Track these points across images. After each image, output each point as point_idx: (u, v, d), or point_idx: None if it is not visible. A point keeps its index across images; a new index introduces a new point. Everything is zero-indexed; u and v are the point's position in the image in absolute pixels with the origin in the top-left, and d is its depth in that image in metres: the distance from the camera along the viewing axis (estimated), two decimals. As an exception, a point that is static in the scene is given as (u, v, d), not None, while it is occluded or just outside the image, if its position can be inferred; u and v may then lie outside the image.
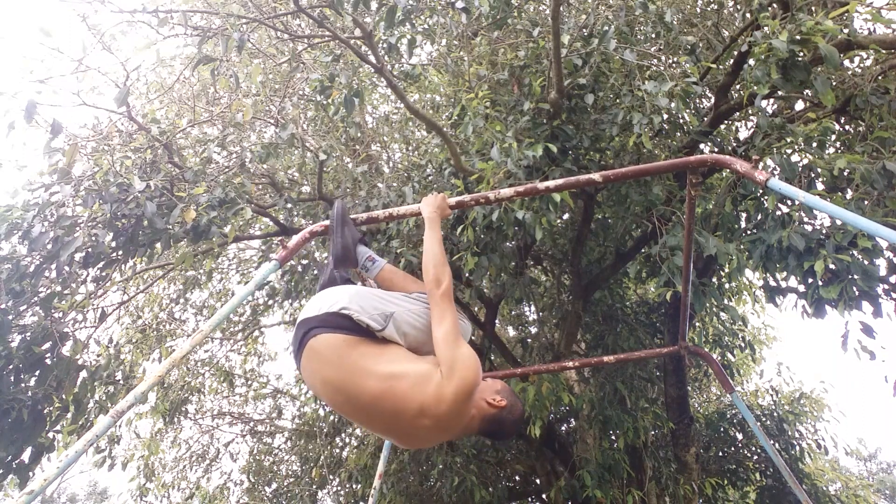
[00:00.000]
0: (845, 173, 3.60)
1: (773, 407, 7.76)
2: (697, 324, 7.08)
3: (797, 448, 7.19)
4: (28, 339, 4.10)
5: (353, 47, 4.38)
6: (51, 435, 4.28)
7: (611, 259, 6.31)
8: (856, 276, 3.36)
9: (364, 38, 4.25)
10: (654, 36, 4.72)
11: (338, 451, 7.78)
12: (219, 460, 8.56)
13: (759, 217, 4.02)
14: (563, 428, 7.85)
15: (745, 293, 7.90)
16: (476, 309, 7.20)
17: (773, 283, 4.61)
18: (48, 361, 4.14)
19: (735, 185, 4.60)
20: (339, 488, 7.66)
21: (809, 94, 4.58)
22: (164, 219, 4.12)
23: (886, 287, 3.79)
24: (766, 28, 3.60)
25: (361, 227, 2.44)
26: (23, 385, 4.05)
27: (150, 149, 4.43)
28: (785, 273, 3.88)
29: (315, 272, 5.22)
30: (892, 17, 3.97)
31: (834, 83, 4.28)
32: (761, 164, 4.08)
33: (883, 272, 3.69)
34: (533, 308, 8.19)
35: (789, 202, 3.80)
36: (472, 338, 7.11)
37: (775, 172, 3.76)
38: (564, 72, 4.33)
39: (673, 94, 3.84)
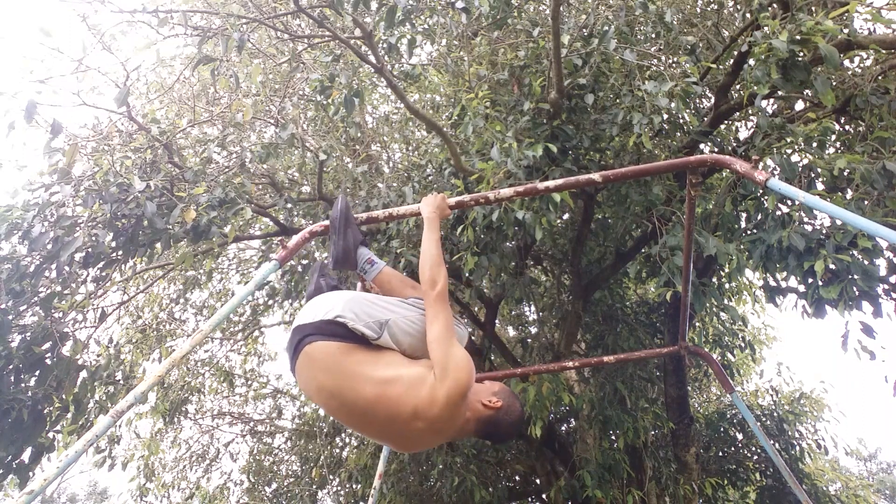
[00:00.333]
0: (845, 173, 3.60)
1: (773, 407, 7.76)
2: (697, 324, 7.08)
3: (797, 448, 7.19)
4: (28, 339, 4.10)
5: (353, 47, 4.38)
6: (51, 435, 4.27)
7: (611, 259, 6.31)
8: (856, 276, 3.36)
9: (364, 38, 4.25)
10: (654, 36, 4.72)
11: (338, 451, 7.78)
12: (219, 460, 8.56)
13: (759, 217, 4.02)
14: (563, 428, 7.85)
15: (745, 293, 7.90)
16: (476, 309, 7.19)
17: (773, 283, 4.61)
18: (48, 361, 4.14)
19: (735, 185, 4.60)
20: (339, 488, 7.66)
21: (809, 94, 4.58)
22: (164, 219, 4.12)
23: (886, 287, 3.79)
24: (766, 28, 3.60)
25: (362, 227, 2.44)
26: (23, 385, 4.05)
27: (150, 149, 4.43)
28: (785, 273, 3.88)
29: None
30: (892, 17, 3.97)
31: (834, 83, 4.28)
32: (761, 164, 4.08)
33: (883, 272, 3.69)
34: (533, 308, 8.20)
35: (789, 202, 3.80)
36: (473, 338, 7.11)
37: (775, 172, 3.76)
38: (564, 72, 4.33)
39: (673, 94, 3.84)
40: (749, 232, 4.20)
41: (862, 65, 4.59)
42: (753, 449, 7.46)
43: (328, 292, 2.14)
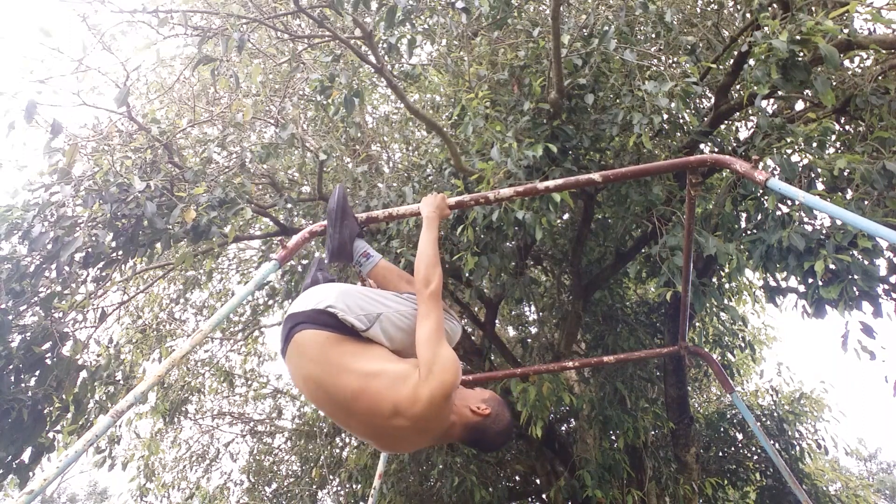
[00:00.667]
0: (845, 173, 3.60)
1: (773, 407, 7.76)
2: (697, 324, 7.08)
3: (797, 448, 7.19)
4: (28, 339, 4.10)
5: (353, 47, 4.38)
6: (51, 435, 4.27)
7: (611, 259, 6.31)
8: (856, 276, 3.35)
9: (364, 38, 4.25)
10: (654, 36, 4.72)
11: (338, 451, 7.78)
12: (219, 460, 8.56)
13: (759, 217, 4.02)
14: (563, 428, 7.86)
15: (745, 293, 7.90)
16: (476, 309, 7.20)
17: (773, 283, 4.61)
18: (48, 361, 4.14)
19: (735, 185, 4.60)
20: (339, 488, 7.66)
21: (809, 94, 4.58)
22: (164, 219, 4.12)
23: (886, 287, 3.79)
24: (766, 28, 3.60)
25: (359, 217, 2.42)
26: (23, 385, 4.05)
27: (150, 149, 4.43)
28: (785, 273, 3.88)
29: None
30: (892, 17, 3.98)
31: (834, 83, 4.28)
32: (761, 164, 4.08)
33: (883, 272, 3.69)
34: (533, 308, 8.20)
35: (789, 202, 3.79)
36: (473, 338, 7.12)
37: (775, 172, 3.76)
38: (564, 72, 4.33)
39: (673, 94, 3.84)
40: (749, 232, 4.20)
41: (862, 65, 4.59)
42: (753, 449, 7.46)
43: (322, 285, 2.14)
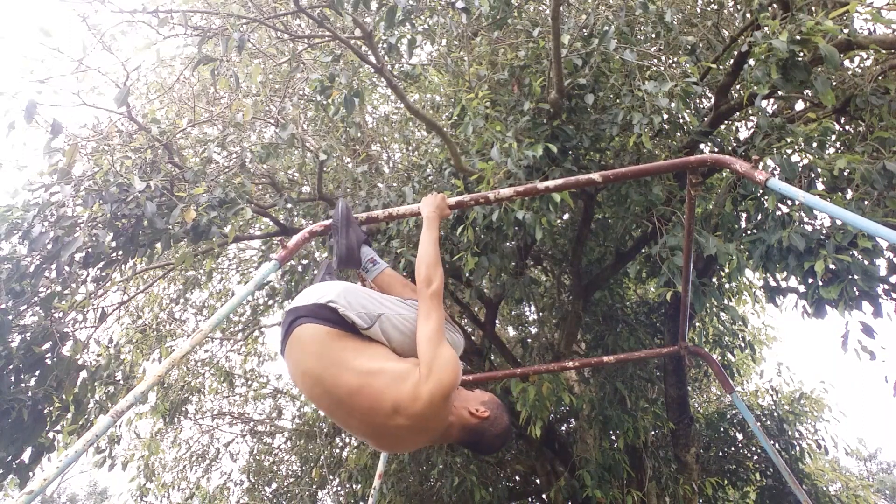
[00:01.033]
0: (845, 173, 3.60)
1: (773, 407, 7.76)
2: (697, 324, 7.08)
3: (797, 448, 7.19)
4: (28, 339, 4.10)
5: (353, 47, 4.38)
6: (51, 435, 4.28)
7: (611, 259, 6.31)
8: (856, 277, 3.35)
9: (364, 38, 4.25)
10: (654, 36, 4.72)
11: (338, 451, 7.78)
12: (219, 460, 8.56)
13: (759, 217, 4.02)
14: (563, 428, 7.85)
15: (745, 293, 7.90)
16: (476, 309, 7.20)
17: (773, 283, 4.61)
18: (48, 361, 4.14)
19: (735, 185, 4.60)
20: (339, 488, 7.66)
21: (809, 94, 4.58)
22: (164, 219, 4.12)
23: (886, 287, 3.79)
24: (766, 28, 3.60)
25: (363, 227, 2.44)
26: (23, 385, 4.05)
27: (151, 149, 4.43)
28: (785, 273, 3.88)
29: (315, 272, 5.22)
30: (892, 17, 3.98)
31: (834, 83, 4.28)
32: (761, 164, 4.08)
33: (883, 272, 3.69)
34: (533, 308, 8.20)
35: (789, 202, 3.80)
36: (472, 338, 7.12)
37: (775, 172, 3.76)
38: (564, 72, 4.33)
39: (673, 94, 3.84)
40: (749, 232, 4.20)
41: (862, 65, 4.59)
42: (753, 449, 7.46)
43: (326, 282, 2.14)
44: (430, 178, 5.07)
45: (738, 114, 5.32)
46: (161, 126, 4.58)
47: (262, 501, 7.89)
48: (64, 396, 4.25)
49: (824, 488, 7.66)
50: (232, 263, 7.96)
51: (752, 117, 5.72)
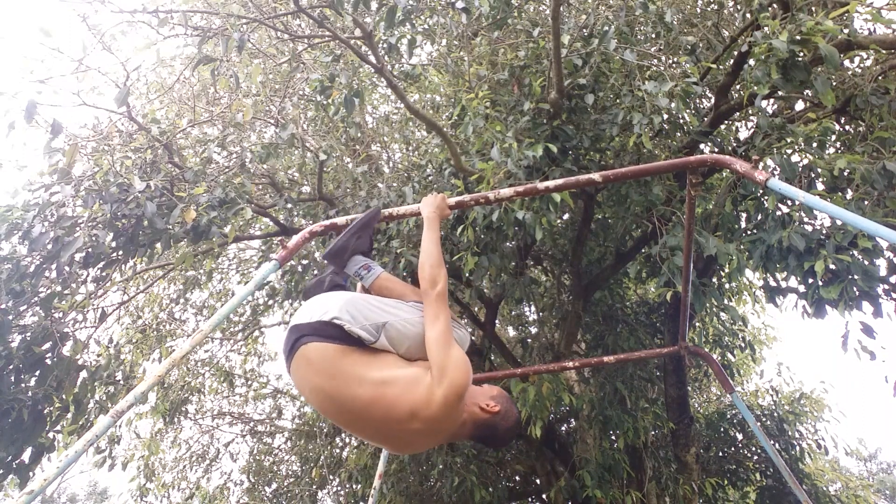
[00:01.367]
0: (845, 173, 3.60)
1: (773, 407, 7.76)
2: (697, 324, 7.08)
3: (797, 448, 7.19)
4: (28, 339, 4.10)
5: (354, 47, 4.38)
6: (51, 435, 4.27)
7: (611, 259, 6.31)
8: (856, 277, 3.35)
9: (364, 39, 4.25)
10: (654, 36, 4.72)
11: (338, 451, 7.78)
12: (219, 460, 8.56)
13: (759, 217, 4.02)
14: (563, 428, 7.85)
15: (745, 293, 7.91)
16: (476, 309, 7.20)
17: (773, 283, 4.61)
18: (48, 361, 4.14)
19: (735, 185, 4.60)
20: (339, 488, 7.66)
21: (809, 94, 4.58)
22: (165, 219, 4.12)
23: (886, 287, 3.79)
24: (766, 28, 3.60)
25: (372, 237, 2.44)
26: (23, 385, 4.05)
27: (151, 149, 4.43)
28: (785, 273, 3.88)
29: (315, 272, 5.22)
30: (892, 17, 3.97)
31: (834, 83, 4.28)
32: (761, 165, 4.08)
33: (883, 272, 3.69)
34: (533, 308, 8.20)
35: (789, 202, 3.80)
36: (473, 338, 7.11)
37: (775, 172, 3.76)
38: (564, 72, 4.33)
39: (673, 94, 3.83)
40: (749, 232, 4.20)
41: (862, 65, 4.59)
42: (753, 449, 7.46)
43: (327, 292, 2.12)
44: (430, 178, 5.07)
45: (738, 114, 5.32)
46: (161, 126, 4.58)
47: (262, 501, 7.89)
48: (64, 396, 4.25)
49: (824, 488, 7.66)
50: (232, 263, 7.96)
51: (752, 117, 5.72)
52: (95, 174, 4.06)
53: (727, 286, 7.09)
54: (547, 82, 4.49)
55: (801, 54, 3.47)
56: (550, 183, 2.40)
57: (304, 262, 5.50)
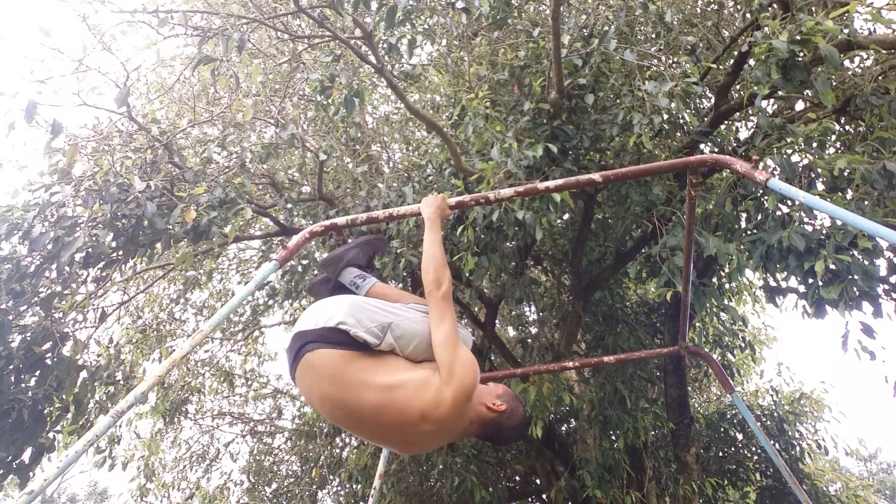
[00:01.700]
0: (845, 173, 3.60)
1: (773, 407, 7.76)
2: (697, 324, 7.08)
3: (797, 448, 7.19)
4: (28, 339, 4.10)
5: (354, 47, 4.38)
6: (51, 435, 4.27)
7: (611, 259, 6.31)
8: (856, 277, 3.35)
9: (364, 39, 4.25)
10: (654, 36, 4.72)
11: (338, 451, 7.78)
12: (219, 460, 8.56)
13: (760, 217, 4.02)
14: (563, 428, 7.85)
15: (745, 293, 7.91)
16: (476, 309, 7.19)
17: (773, 284, 4.61)
18: (48, 361, 4.14)
19: (735, 186, 4.60)
20: (339, 488, 7.66)
21: (809, 95, 4.58)
22: (165, 219, 4.12)
23: (887, 287, 3.79)
24: (766, 28, 3.60)
25: (372, 257, 2.48)
26: (23, 385, 4.05)
27: (151, 149, 4.43)
28: (785, 273, 3.88)
29: (315, 272, 5.22)
30: (892, 17, 3.97)
31: (834, 83, 4.28)
32: (761, 165, 4.07)
33: (883, 272, 3.69)
34: (533, 308, 8.20)
35: (789, 202, 3.79)
36: (473, 338, 7.12)
37: (775, 172, 3.76)
38: (564, 72, 4.33)
39: (673, 94, 3.83)
40: (749, 232, 4.20)
41: (862, 65, 4.59)
42: (753, 449, 7.46)
43: (332, 296, 2.12)
44: (430, 178, 5.07)
45: (738, 114, 5.32)
46: (161, 126, 4.58)
47: (262, 501, 7.89)
48: (64, 396, 4.25)
49: (824, 488, 7.65)
50: (232, 263, 7.96)
51: (752, 117, 5.72)
52: (95, 174, 4.06)
53: (727, 286, 7.09)
54: (547, 82, 4.49)
55: (801, 54, 3.47)
56: (550, 183, 2.40)
57: (304, 262, 5.50)
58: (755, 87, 3.60)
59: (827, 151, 3.99)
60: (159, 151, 4.49)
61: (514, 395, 1.99)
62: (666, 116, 4.12)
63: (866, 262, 3.35)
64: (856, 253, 3.40)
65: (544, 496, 7.19)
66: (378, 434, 1.87)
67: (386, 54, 4.57)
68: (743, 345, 7.58)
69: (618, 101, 4.47)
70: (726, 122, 5.56)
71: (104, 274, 4.95)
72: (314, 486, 7.53)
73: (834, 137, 4.53)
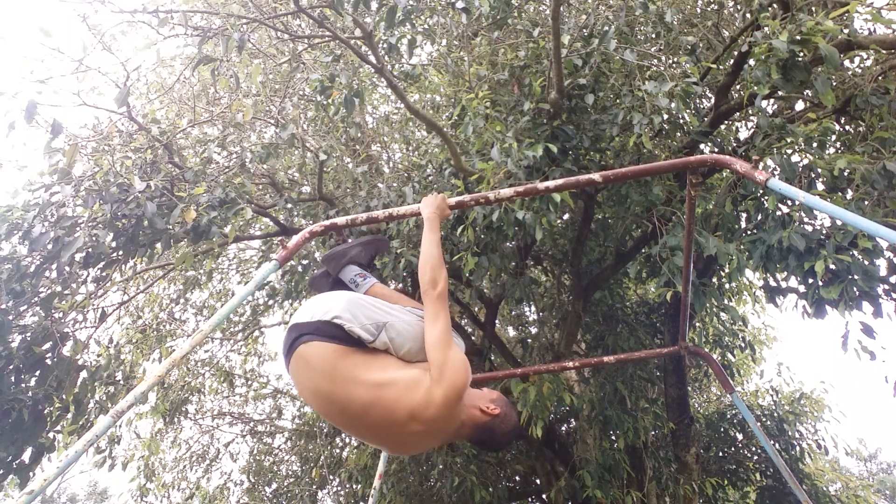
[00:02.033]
0: (845, 173, 3.60)
1: (773, 407, 7.76)
2: (697, 324, 7.08)
3: (797, 448, 7.19)
4: (28, 339, 4.10)
5: (354, 47, 4.38)
6: (51, 435, 4.27)
7: (611, 259, 6.31)
8: (856, 277, 3.35)
9: (364, 39, 4.25)
10: (654, 36, 4.72)
11: (338, 451, 7.78)
12: (219, 460, 8.56)
13: (760, 217, 4.02)
14: (563, 428, 7.85)
15: (745, 293, 7.90)
16: (476, 309, 7.20)
17: (773, 284, 4.61)
18: (48, 361, 4.14)
19: (735, 185, 4.60)
20: (339, 488, 7.66)
21: (809, 95, 4.58)
22: (165, 219, 4.12)
23: (887, 287, 3.79)
24: (766, 28, 3.60)
25: (374, 257, 2.48)
26: (23, 385, 4.05)
27: (151, 149, 4.43)
28: (785, 273, 3.88)
29: (315, 271, 5.22)
30: (892, 17, 3.97)
31: (834, 83, 4.28)
32: (761, 165, 4.07)
33: (883, 272, 3.69)
34: (533, 308, 8.20)
35: (789, 202, 3.79)
36: (472, 338, 7.12)
37: (775, 172, 3.76)
38: (564, 72, 4.33)
39: (673, 94, 3.83)
40: (749, 232, 4.20)
41: (862, 65, 4.59)
42: (753, 449, 7.46)
43: (330, 291, 2.13)
44: (430, 178, 5.07)
45: (738, 114, 5.32)
46: (161, 126, 4.58)
47: (262, 501, 7.89)
48: (64, 396, 4.25)
49: (824, 488, 7.66)
50: (232, 263, 7.96)
51: (752, 117, 5.72)
52: (95, 174, 4.06)
53: (727, 286, 7.09)
54: (547, 82, 4.49)
55: (801, 54, 3.47)
56: (550, 183, 2.40)
57: (304, 262, 5.50)
58: (755, 87, 3.60)
59: (827, 151, 3.99)
60: (159, 151, 4.49)
61: (509, 402, 1.99)
62: (666, 116, 4.12)
63: (866, 262, 3.35)
64: (856, 253, 3.41)
65: (544, 496, 7.19)
66: (369, 432, 1.87)
67: (386, 54, 4.57)
68: (743, 345, 7.58)
69: (618, 101, 4.47)
70: (726, 122, 5.56)
71: (104, 274, 4.95)
72: (314, 486, 7.53)
73: (834, 137, 4.53)
